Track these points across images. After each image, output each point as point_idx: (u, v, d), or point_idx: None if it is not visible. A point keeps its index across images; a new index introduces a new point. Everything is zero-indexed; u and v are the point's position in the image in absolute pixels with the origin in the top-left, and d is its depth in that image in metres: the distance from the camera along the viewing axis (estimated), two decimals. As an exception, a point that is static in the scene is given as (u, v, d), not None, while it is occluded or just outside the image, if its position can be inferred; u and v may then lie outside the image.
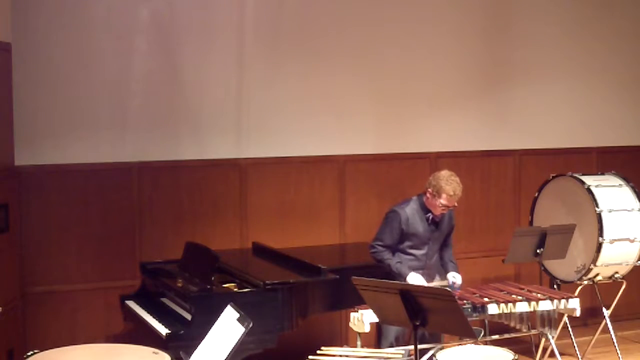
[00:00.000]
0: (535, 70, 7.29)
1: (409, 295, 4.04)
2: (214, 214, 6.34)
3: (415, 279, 5.24)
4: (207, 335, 3.58)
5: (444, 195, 5.27)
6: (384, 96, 6.80)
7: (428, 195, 5.35)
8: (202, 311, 4.73)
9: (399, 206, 5.45)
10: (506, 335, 5.49)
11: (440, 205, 5.31)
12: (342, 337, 6.55)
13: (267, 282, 5.00)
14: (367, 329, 5.01)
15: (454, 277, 5.43)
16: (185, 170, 6.26)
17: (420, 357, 5.24)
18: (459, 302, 4.73)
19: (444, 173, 5.36)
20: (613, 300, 6.45)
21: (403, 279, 5.21)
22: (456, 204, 5.39)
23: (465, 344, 4.88)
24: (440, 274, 5.56)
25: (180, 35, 6.20)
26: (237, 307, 3.53)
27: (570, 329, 6.39)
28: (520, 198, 7.28)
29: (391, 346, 5.31)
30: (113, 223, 6.09)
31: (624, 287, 6.44)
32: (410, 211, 5.40)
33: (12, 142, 5.73)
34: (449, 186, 5.27)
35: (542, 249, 6.02)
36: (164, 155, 6.20)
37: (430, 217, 5.41)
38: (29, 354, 3.91)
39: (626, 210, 6.34)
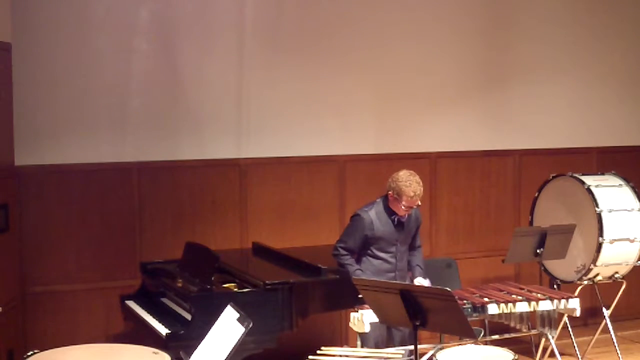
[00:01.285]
0: (536, 70, 7.29)
1: (409, 295, 4.04)
2: (214, 214, 6.34)
3: None
4: (207, 335, 3.58)
5: (404, 197, 5.15)
6: (384, 96, 6.80)
7: (390, 197, 5.27)
8: (202, 311, 4.73)
9: (363, 210, 5.33)
10: (506, 335, 5.49)
11: (403, 207, 5.21)
12: (342, 337, 6.55)
13: (267, 282, 4.99)
14: (367, 329, 5.00)
15: (420, 283, 5.29)
16: (185, 170, 6.26)
17: (420, 357, 5.24)
18: (459, 302, 4.72)
19: (403, 174, 5.22)
20: (613, 300, 6.45)
21: None
22: (419, 203, 5.27)
23: (465, 344, 4.88)
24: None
25: (180, 35, 6.20)
26: (237, 307, 3.53)
27: (570, 329, 6.39)
28: (520, 198, 7.28)
29: None
30: (113, 223, 6.09)
31: (624, 287, 6.44)
32: (374, 214, 5.28)
33: (12, 142, 5.73)
34: (408, 188, 5.14)
35: (542, 249, 6.02)
36: (164, 155, 6.20)
37: (396, 219, 5.30)
38: (29, 354, 3.90)
39: (626, 210, 6.34)
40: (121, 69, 6.07)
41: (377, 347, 5.27)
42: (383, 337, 5.38)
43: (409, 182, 5.17)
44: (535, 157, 7.33)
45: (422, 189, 5.22)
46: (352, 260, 5.31)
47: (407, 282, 5.34)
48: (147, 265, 5.74)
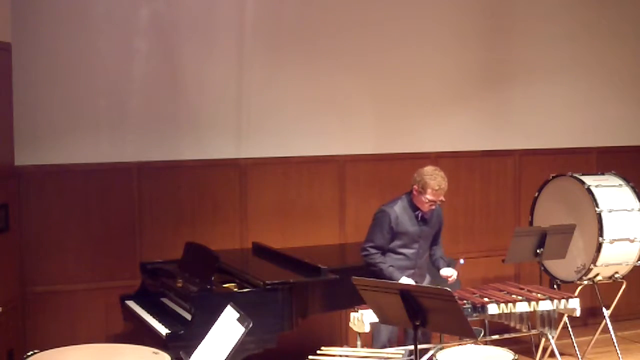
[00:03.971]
0: (536, 70, 7.28)
1: (409, 295, 4.04)
2: (214, 214, 6.34)
3: (407, 283, 5.21)
4: (207, 335, 3.58)
5: (429, 190, 5.24)
6: (384, 96, 6.80)
7: (414, 192, 5.32)
8: (202, 311, 4.73)
9: (387, 205, 5.40)
10: (506, 335, 5.50)
11: (427, 200, 5.26)
12: (342, 337, 6.55)
13: (267, 282, 5.00)
14: (367, 329, 5.01)
15: (447, 272, 5.38)
16: (185, 170, 6.26)
17: (420, 357, 5.24)
18: (459, 302, 4.73)
19: (428, 168, 5.33)
20: (613, 300, 6.45)
21: None
22: (443, 199, 5.34)
23: (465, 344, 4.88)
24: (430, 272, 5.53)
25: (181, 36, 6.20)
26: (237, 307, 3.53)
27: (570, 329, 6.39)
28: (520, 198, 7.28)
29: (384, 347, 5.30)
30: (113, 223, 6.09)
31: (624, 287, 6.44)
32: (399, 210, 5.35)
33: (12, 142, 5.73)
34: (433, 181, 5.23)
35: (542, 249, 6.02)
36: (164, 155, 6.20)
37: (420, 215, 5.36)
38: (29, 354, 3.91)
39: (626, 210, 6.34)
40: (121, 69, 6.07)
41: (389, 343, 5.30)
42: (396, 333, 5.40)
43: (434, 176, 5.26)
44: (535, 157, 7.34)
45: (446, 184, 5.31)
46: (383, 258, 5.34)
47: (425, 281, 5.42)
48: (147, 265, 5.74)
